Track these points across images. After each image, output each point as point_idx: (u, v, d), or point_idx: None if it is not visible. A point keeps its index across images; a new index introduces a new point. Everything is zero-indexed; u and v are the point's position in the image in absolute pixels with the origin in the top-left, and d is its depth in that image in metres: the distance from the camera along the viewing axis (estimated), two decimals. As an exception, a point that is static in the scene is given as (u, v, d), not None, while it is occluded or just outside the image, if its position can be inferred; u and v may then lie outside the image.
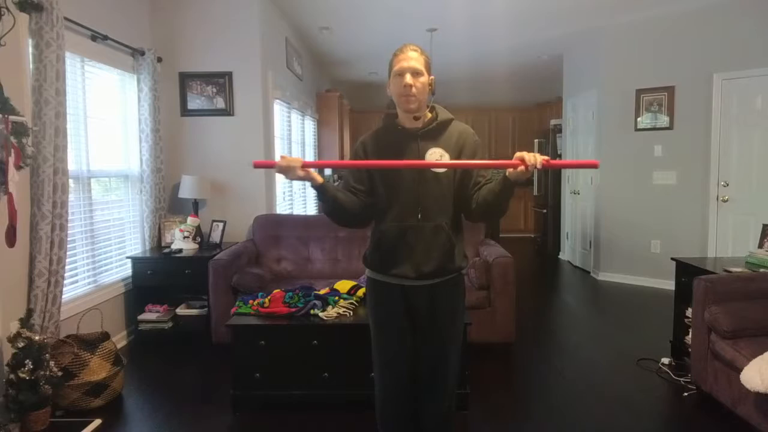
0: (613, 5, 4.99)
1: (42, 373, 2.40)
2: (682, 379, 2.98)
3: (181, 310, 3.78)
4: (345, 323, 2.68)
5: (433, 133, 1.79)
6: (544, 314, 4.59)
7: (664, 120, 5.23)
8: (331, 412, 2.66)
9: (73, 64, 3.20)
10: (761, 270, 2.90)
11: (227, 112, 4.27)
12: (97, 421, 2.59)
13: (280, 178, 4.99)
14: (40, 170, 2.70)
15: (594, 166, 1.69)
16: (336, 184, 7.89)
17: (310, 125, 6.72)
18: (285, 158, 1.62)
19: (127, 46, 3.72)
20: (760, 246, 3.14)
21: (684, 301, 3.17)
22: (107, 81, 3.69)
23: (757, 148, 4.68)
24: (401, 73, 1.71)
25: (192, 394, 2.96)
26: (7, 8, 2.51)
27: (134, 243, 3.96)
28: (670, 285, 3.77)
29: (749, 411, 2.30)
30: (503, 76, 8.05)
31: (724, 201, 4.89)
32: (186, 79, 4.25)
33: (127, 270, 3.75)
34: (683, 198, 5.17)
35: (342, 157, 7.55)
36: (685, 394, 2.84)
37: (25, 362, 2.35)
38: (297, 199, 5.94)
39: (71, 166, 3.03)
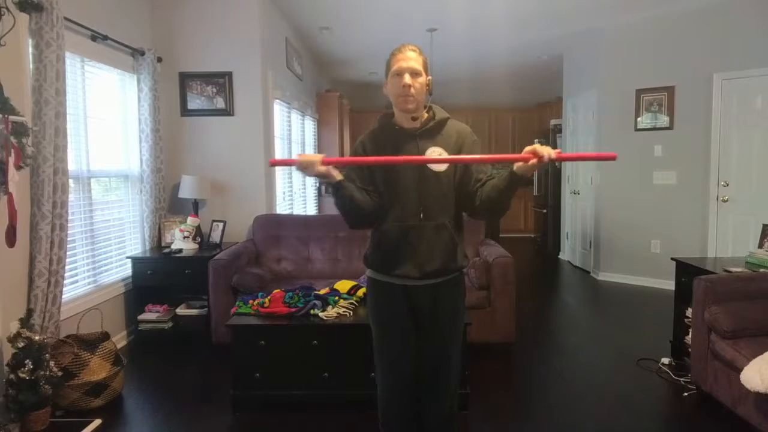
0: (613, 5, 4.99)
1: (42, 373, 2.40)
2: (682, 379, 2.98)
3: (181, 310, 3.78)
4: (345, 323, 2.68)
5: (431, 133, 1.79)
6: (544, 314, 4.59)
7: (664, 120, 5.23)
8: (331, 412, 2.66)
9: (73, 64, 3.20)
10: (761, 270, 2.90)
11: (227, 112, 4.27)
12: (97, 421, 2.59)
13: (280, 179, 5.00)
14: (40, 170, 2.70)
15: (611, 158, 1.63)
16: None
17: (310, 125, 6.72)
18: (303, 155, 1.62)
19: (127, 46, 3.72)
20: (760, 246, 3.14)
21: (684, 301, 3.17)
22: (107, 81, 3.69)
23: (757, 148, 4.68)
24: (400, 73, 1.71)
25: (192, 394, 2.96)
26: (7, 8, 2.51)
27: (134, 243, 3.96)
28: (670, 285, 3.77)
29: (749, 411, 2.30)
30: (503, 76, 8.05)
31: (724, 201, 4.89)
32: (186, 79, 4.25)
33: (127, 270, 3.75)
34: (683, 198, 5.17)
35: (342, 157, 7.56)
36: (685, 394, 2.84)
37: (25, 362, 2.35)
38: (297, 199, 5.94)
39: (71, 166, 3.03)
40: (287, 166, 1.76)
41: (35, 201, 2.71)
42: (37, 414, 2.41)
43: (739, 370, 2.27)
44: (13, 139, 2.44)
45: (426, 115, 1.81)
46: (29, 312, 2.63)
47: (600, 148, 5.72)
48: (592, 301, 5.12)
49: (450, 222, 1.78)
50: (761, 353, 2.22)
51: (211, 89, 4.26)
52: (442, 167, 1.76)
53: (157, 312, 3.70)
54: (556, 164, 7.07)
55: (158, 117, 3.98)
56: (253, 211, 4.28)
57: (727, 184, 4.87)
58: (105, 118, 3.65)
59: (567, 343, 3.86)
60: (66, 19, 2.87)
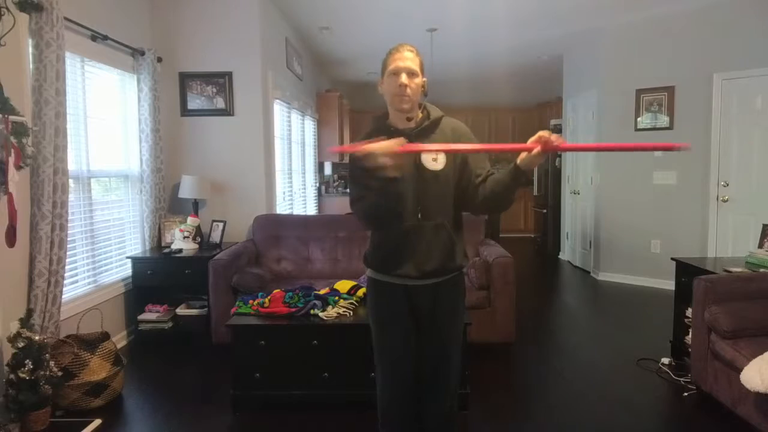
0: (613, 5, 4.99)
1: (42, 373, 2.40)
2: (682, 379, 2.98)
3: (181, 310, 3.78)
4: (345, 323, 2.68)
5: (427, 132, 1.78)
6: (544, 314, 4.59)
7: (664, 120, 5.23)
8: (331, 412, 2.66)
9: (73, 64, 3.20)
10: (761, 270, 2.90)
11: (227, 112, 4.27)
12: (97, 421, 2.59)
13: (279, 178, 5.00)
14: (40, 170, 2.70)
15: (676, 148, 1.44)
16: (335, 184, 7.80)
17: (310, 125, 6.72)
18: (380, 141, 1.52)
19: (127, 46, 3.72)
20: (760, 246, 3.14)
21: (684, 301, 3.17)
22: (107, 81, 3.69)
23: (757, 148, 4.68)
24: (396, 73, 1.70)
25: (192, 394, 2.96)
26: (7, 8, 2.51)
27: (134, 243, 3.96)
28: (670, 285, 3.77)
29: (749, 411, 2.30)
30: (503, 76, 8.05)
31: (724, 201, 4.89)
32: (186, 79, 4.25)
33: (127, 270, 3.75)
34: (683, 198, 5.17)
35: (342, 158, 7.55)
36: (685, 394, 2.84)
37: (25, 362, 2.35)
38: (297, 199, 5.94)
39: (71, 166, 3.03)
40: (351, 152, 1.62)
41: (35, 201, 2.71)
42: (37, 414, 2.41)
43: (739, 370, 2.27)
44: (13, 139, 2.44)
45: (420, 114, 1.81)
46: (29, 312, 2.63)
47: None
48: (592, 301, 5.12)
49: (449, 222, 1.78)
50: (761, 353, 2.22)
51: (211, 89, 4.27)
52: (440, 166, 1.75)
53: (157, 312, 3.70)
54: (557, 164, 7.08)
55: (158, 117, 3.98)
56: (253, 211, 4.28)
57: (727, 184, 4.86)
58: (105, 118, 3.65)
59: (567, 343, 3.86)
60: (66, 19, 2.87)
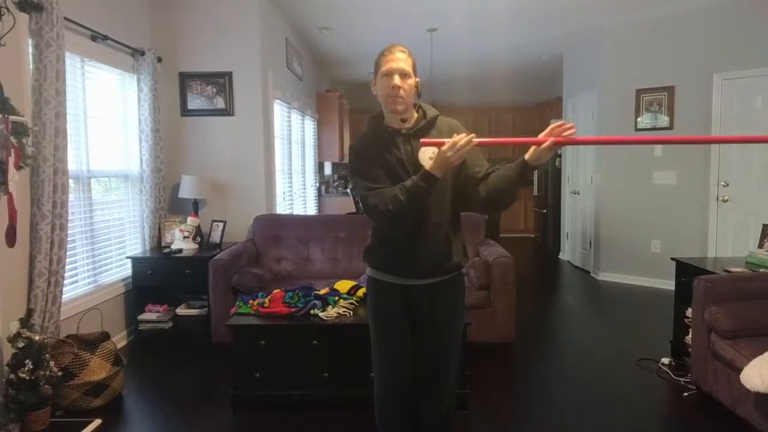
0: (613, 5, 4.99)
1: (42, 373, 2.40)
2: (682, 379, 2.98)
3: (181, 310, 3.78)
4: (345, 323, 2.68)
5: (423, 132, 1.77)
6: (544, 314, 4.59)
7: (664, 120, 5.23)
8: (331, 412, 2.66)
9: (73, 64, 3.20)
10: (761, 270, 2.90)
11: (227, 112, 4.27)
12: (97, 421, 2.59)
13: (279, 178, 5.00)
14: (40, 170, 2.70)
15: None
16: (336, 184, 7.78)
17: (310, 125, 6.72)
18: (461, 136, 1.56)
19: (127, 46, 3.72)
20: (760, 246, 3.14)
21: (684, 301, 3.17)
22: (107, 81, 3.69)
23: (757, 148, 4.68)
24: (389, 74, 1.70)
25: (192, 394, 2.96)
26: (7, 8, 2.51)
27: (134, 243, 3.96)
28: (670, 285, 3.77)
29: (749, 411, 2.30)
30: (503, 75, 8.05)
31: (724, 201, 4.89)
32: (186, 79, 4.25)
33: (127, 270, 3.75)
34: (683, 198, 5.17)
35: (342, 158, 7.56)
36: (685, 394, 2.84)
37: (25, 362, 2.35)
38: (297, 199, 5.94)
39: (71, 166, 3.03)
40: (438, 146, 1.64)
41: (35, 201, 2.71)
42: (37, 414, 2.41)
43: (739, 370, 2.27)
44: (13, 139, 2.44)
45: (416, 115, 1.81)
46: (29, 312, 2.63)
47: (600, 148, 5.72)
48: (592, 301, 5.12)
49: (446, 220, 1.78)
50: (761, 353, 2.22)
51: (211, 89, 4.27)
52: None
53: (157, 312, 3.70)
54: (557, 164, 7.08)
55: (158, 117, 3.98)
56: (253, 211, 4.28)
57: (727, 184, 4.87)
58: (105, 118, 3.65)
59: (567, 343, 3.86)
60: (66, 19, 2.87)
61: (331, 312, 2.74)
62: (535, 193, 8.12)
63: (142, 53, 3.86)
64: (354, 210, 6.50)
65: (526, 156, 1.59)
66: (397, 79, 1.69)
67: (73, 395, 2.65)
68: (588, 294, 5.33)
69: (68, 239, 2.92)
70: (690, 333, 2.91)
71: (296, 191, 5.90)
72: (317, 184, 7.31)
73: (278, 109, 4.97)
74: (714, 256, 4.81)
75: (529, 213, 9.10)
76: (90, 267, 3.42)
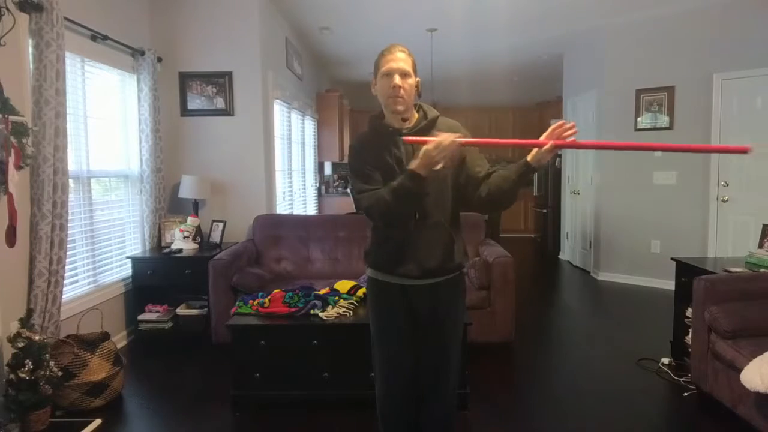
0: (613, 5, 4.99)
1: (42, 373, 2.40)
2: (682, 379, 2.98)
3: (181, 310, 3.78)
4: (345, 323, 2.68)
5: (424, 132, 1.77)
6: (544, 314, 4.59)
7: (664, 120, 5.23)
8: (331, 412, 2.65)
9: (73, 64, 3.20)
10: (761, 270, 2.90)
11: (227, 112, 4.27)
12: (97, 421, 2.59)
13: (279, 178, 5.00)
14: (40, 170, 2.70)
15: (742, 151, 1.48)
16: (336, 184, 7.78)
17: (310, 125, 6.72)
18: (444, 134, 1.56)
19: (127, 46, 3.72)
20: (760, 246, 3.14)
21: (684, 301, 3.17)
22: (107, 81, 3.69)
23: (757, 149, 4.66)
24: (389, 74, 1.70)
25: (192, 394, 2.95)
26: (7, 8, 2.52)
27: (134, 243, 3.96)
28: (670, 285, 3.77)
29: (749, 411, 2.30)
30: (503, 75, 8.05)
31: (724, 201, 4.89)
32: (186, 79, 4.25)
33: (127, 270, 3.75)
34: (683, 198, 5.17)
35: (342, 158, 7.56)
36: (685, 394, 2.84)
37: (25, 362, 2.35)
38: (297, 199, 5.94)
39: (71, 166, 3.03)
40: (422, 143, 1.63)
41: (35, 201, 2.71)
42: (37, 414, 2.41)
43: (739, 370, 2.26)
44: (13, 139, 2.44)
45: (416, 115, 1.81)
46: (29, 312, 2.63)
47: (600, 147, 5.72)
48: (592, 301, 5.11)
49: (447, 220, 1.78)
50: (761, 353, 2.22)
51: (211, 89, 4.26)
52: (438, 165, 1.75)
53: (157, 312, 3.70)
54: (557, 164, 7.08)
55: (158, 117, 3.98)
56: (253, 211, 4.28)
57: (727, 184, 4.86)
58: (105, 118, 3.65)
59: (567, 343, 3.86)
60: (66, 19, 2.87)
61: (331, 312, 2.74)
62: (535, 193, 8.13)
63: (142, 53, 3.86)
64: (354, 210, 6.50)
65: (529, 157, 1.60)
66: (397, 79, 1.69)
67: (73, 395, 2.65)
68: (588, 294, 5.33)
69: (68, 239, 2.92)
70: (690, 333, 2.91)
71: (296, 191, 5.90)
72: (317, 184, 7.31)
73: (278, 109, 4.97)
74: (714, 256, 4.81)
75: (529, 213, 9.10)
76: (90, 267, 3.42)
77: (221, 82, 4.25)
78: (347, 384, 2.66)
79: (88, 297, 3.31)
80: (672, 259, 3.40)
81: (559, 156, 6.96)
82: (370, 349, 1.92)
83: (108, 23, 3.49)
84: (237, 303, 2.89)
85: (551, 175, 7.27)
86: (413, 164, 1.62)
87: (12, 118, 2.43)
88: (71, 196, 3.06)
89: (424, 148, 1.57)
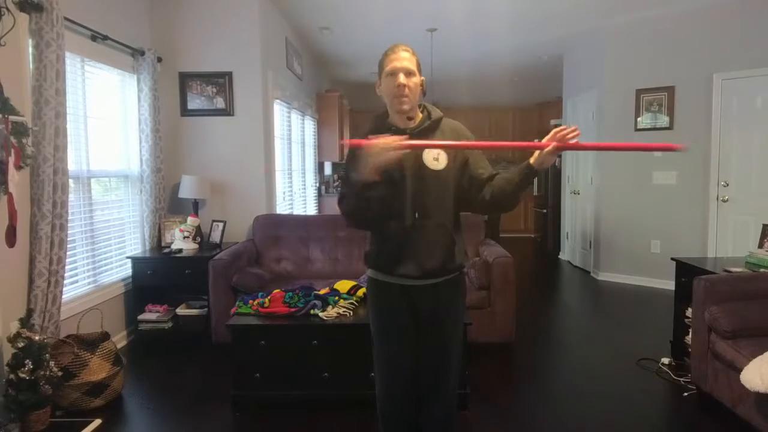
0: (613, 5, 5.00)
1: (42, 373, 2.40)
2: (682, 379, 2.98)
3: (181, 310, 3.78)
4: (345, 323, 2.68)
5: (428, 132, 1.77)
6: (544, 314, 4.59)
7: (664, 120, 5.23)
8: (331, 412, 2.65)
9: (73, 64, 3.20)
10: (761, 270, 2.90)
11: (227, 112, 4.27)
12: (97, 421, 2.59)
13: (279, 178, 5.00)
14: (40, 170, 2.70)
15: (671, 149, 1.59)
16: (335, 184, 7.80)
17: (310, 125, 6.72)
18: (383, 137, 1.54)
19: (127, 46, 3.72)
20: (760, 246, 3.14)
21: (684, 301, 3.17)
22: (107, 81, 3.69)
23: (757, 148, 4.68)
24: (394, 73, 1.70)
25: (192, 394, 2.95)
26: (7, 8, 2.52)
27: (134, 243, 3.96)
28: (670, 285, 3.77)
29: (749, 411, 2.30)
30: (503, 76, 8.05)
31: (724, 201, 4.89)
32: (186, 79, 4.25)
33: (127, 270, 3.75)
34: (683, 198, 5.17)
35: (342, 158, 7.56)
36: (685, 394, 2.84)
37: (25, 362, 2.35)
38: (297, 199, 5.94)
39: (71, 166, 3.03)
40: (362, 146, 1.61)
41: (35, 201, 2.71)
42: (37, 414, 2.41)
43: (739, 370, 2.26)
44: (13, 139, 2.44)
45: (421, 115, 1.81)
46: (29, 312, 2.63)
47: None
48: (592, 301, 5.12)
49: (448, 221, 1.78)
50: (761, 353, 2.22)
51: (211, 89, 4.27)
52: (441, 166, 1.75)
53: (157, 312, 3.70)
54: (557, 164, 7.08)
55: (158, 117, 3.98)
56: (253, 211, 4.28)
57: (727, 184, 4.86)
58: (105, 118, 3.65)
59: (567, 342, 3.86)
60: (66, 19, 2.87)
61: (331, 312, 2.74)
62: (535, 193, 8.13)
63: (142, 53, 3.86)
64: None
65: (531, 160, 1.61)
66: (402, 78, 1.69)
67: (73, 395, 2.65)
68: (588, 294, 5.33)
69: (68, 239, 2.92)
70: (690, 333, 2.91)
71: (296, 191, 5.90)
72: (317, 184, 7.31)
73: (278, 109, 4.97)
74: (714, 256, 4.81)
75: (529, 213, 9.10)
76: (90, 267, 3.42)
77: (221, 82, 4.25)
78: (347, 384, 2.66)
79: (88, 297, 3.31)
80: (672, 259, 3.40)
81: (560, 156, 6.96)
82: (370, 349, 1.92)
83: (108, 23, 3.49)
84: (237, 303, 2.89)
85: (551, 176, 7.27)
86: (432, 165, 1.68)
87: (12, 118, 2.43)
88: (71, 196, 3.06)
89: (366, 152, 1.55)
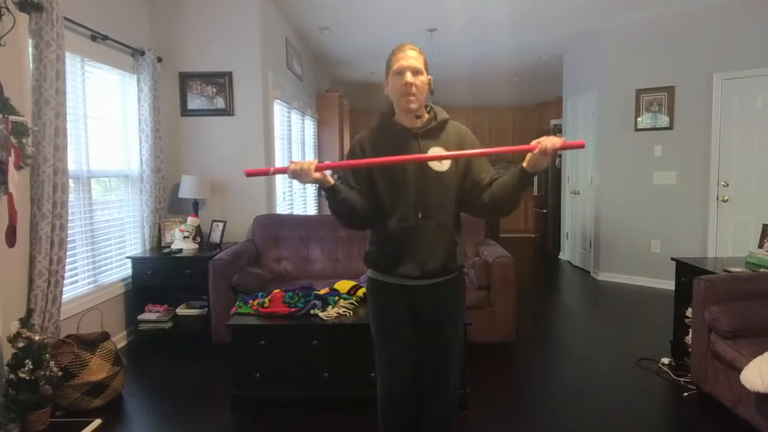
0: (613, 5, 5.00)
1: (42, 373, 2.40)
2: (682, 379, 2.98)
3: (181, 310, 3.78)
4: (345, 323, 2.68)
5: (433, 132, 1.78)
6: (544, 314, 4.59)
7: (664, 120, 5.23)
8: (331, 412, 2.65)
9: (73, 64, 3.20)
10: (761, 270, 2.90)
11: (227, 112, 4.27)
12: (97, 421, 2.59)
13: (280, 178, 5.00)
14: (40, 170, 2.70)
15: (579, 146, 1.68)
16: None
17: (310, 125, 6.72)
18: (296, 163, 1.61)
19: (127, 46, 3.72)
20: (760, 246, 3.14)
21: (684, 301, 3.17)
22: (107, 81, 3.69)
23: (757, 148, 4.68)
24: (401, 72, 1.70)
25: (192, 394, 2.96)
26: (7, 8, 2.52)
27: (134, 243, 3.96)
28: (670, 285, 3.77)
29: (749, 411, 2.30)
30: (503, 76, 8.06)
31: (724, 201, 4.89)
32: (186, 79, 4.25)
33: (127, 270, 3.75)
34: (683, 198, 5.17)
35: (342, 157, 7.56)
36: (685, 394, 2.84)
37: (25, 362, 2.35)
38: (297, 199, 5.94)
39: (71, 166, 3.03)
40: (267, 175, 1.72)
41: (35, 201, 2.71)
42: (37, 414, 2.41)
43: (739, 370, 2.26)
44: (13, 139, 2.44)
45: (427, 115, 1.81)
46: (29, 312, 2.63)
47: (600, 148, 5.72)
48: (592, 301, 5.12)
49: (450, 222, 1.78)
50: (761, 353, 2.22)
51: (211, 89, 4.27)
52: (444, 167, 1.75)
53: (157, 312, 3.70)
54: (557, 164, 7.08)
55: (158, 117, 3.98)
56: (253, 211, 4.28)
57: (727, 184, 4.87)
58: (105, 118, 3.65)
59: (567, 342, 3.86)
60: (66, 19, 2.87)
61: (331, 312, 2.74)
62: (535, 193, 8.13)
63: (142, 53, 3.86)
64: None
65: (524, 163, 1.61)
66: (409, 76, 1.69)
67: (73, 395, 2.65)
68: (588, 294, 5.33)
69: (68, 239, 2.92)
70: (690, 333, 2.91)
71: (296, 191, 5.90)
72: (317, 186, 7.30)
73: (278, 109, 4.97)
74: (714, 256, 4.81)
75: (529, 213, 9.10)
76: (90, 267, 3.42)
77: (221, 82, 4.25)
78: (347, 384, 2.66)
79: (88, 297, 3.31)
80: (672, 259, 3.40)
81: (559, 156, 6.96)
82: (371, 349, 1.92)
83: (108, 23, 3.49)
84: (237, 303, 2.89)
85: (551, 176, 7.27)
86: (435, 166, 1.73)
87: (12, 118, 2.43)
88: (71, 196, 3.06)
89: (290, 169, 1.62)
